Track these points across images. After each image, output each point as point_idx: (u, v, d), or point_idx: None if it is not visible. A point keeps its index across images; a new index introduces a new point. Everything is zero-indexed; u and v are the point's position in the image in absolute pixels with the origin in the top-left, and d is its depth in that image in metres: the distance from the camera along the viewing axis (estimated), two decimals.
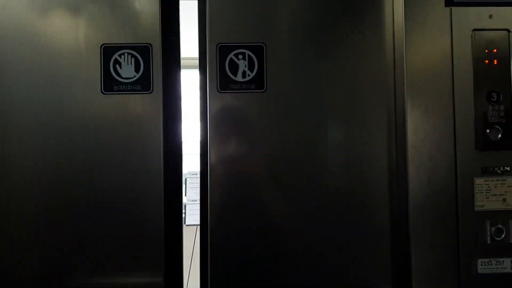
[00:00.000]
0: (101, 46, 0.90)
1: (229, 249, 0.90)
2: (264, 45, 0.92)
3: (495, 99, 0.90)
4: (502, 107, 0.91)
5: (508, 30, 0.91)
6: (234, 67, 0.92)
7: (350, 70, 0.92)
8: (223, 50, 0.92)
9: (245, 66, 0.92)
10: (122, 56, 0.91)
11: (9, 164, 0.88)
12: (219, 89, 0.91)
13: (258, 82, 0.92)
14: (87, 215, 0.89)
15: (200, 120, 0.94)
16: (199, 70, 0.95)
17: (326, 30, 0.93)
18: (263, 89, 0.92)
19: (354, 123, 0.92)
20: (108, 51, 0.90)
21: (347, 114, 0.93)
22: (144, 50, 0.91)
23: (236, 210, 0.90)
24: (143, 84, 0.90)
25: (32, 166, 0.88)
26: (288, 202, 0.92)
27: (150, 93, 0.90)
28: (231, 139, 0.91)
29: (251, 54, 0.92)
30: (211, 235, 0.89)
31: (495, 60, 0.91)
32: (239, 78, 0.92)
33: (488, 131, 0.90)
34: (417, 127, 0.90)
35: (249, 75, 0.92)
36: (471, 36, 0.91)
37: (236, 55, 0.92)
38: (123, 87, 0.90)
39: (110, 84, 0.90)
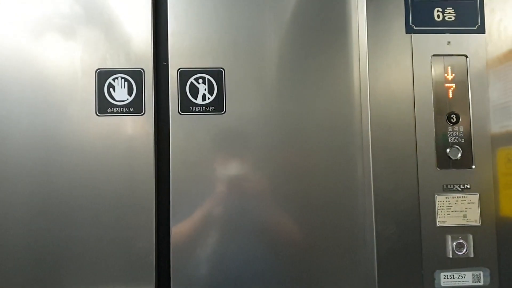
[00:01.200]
0: (95, 71, 0.93)
1: None
2: (223, 70, 0.95)
3: (454, 120, 0.95)
4: (461, 128, 0.95)
5: (466, 56, 0.96)
6: (194, 91, 0.95)
7: (313, 94, 0.96)
8: (184, 75, 0.95)
9: (205, 89, 0.95)
10: (116, 80, 0.93)
11: (5, 184, 0.91)
12: (180, 111, 0.95)
13: (217, 105, 0.95)
14: (79, 231, 0.90)
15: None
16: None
17: (287, 57, 0.96)
18: (222, 111, 0.95)
19: (317, 145, 0.95)
20: (102, 75, 0.93)
21: (310, 135, 0.95)
22: (136, 75, 0.94)
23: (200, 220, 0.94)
24: (135, 107, 0.93)
25: (28, 183, 0.91)
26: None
27: (142, 115, 0.93)
28: (191, 159, 0.94)
29: (210, 78, 0.95)
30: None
31: (454, 84, 0.96)
32: (199, 101, 0.95)
33: (448, 150, 0.94)
34: (380, 146, 0.94)
35: (209, 98, 0.95)
36: (431, 62, 0.96)
37: (196, 79, 0.95)
38: (116, 109, 0.93)
39: (104, 106, 0.93)
